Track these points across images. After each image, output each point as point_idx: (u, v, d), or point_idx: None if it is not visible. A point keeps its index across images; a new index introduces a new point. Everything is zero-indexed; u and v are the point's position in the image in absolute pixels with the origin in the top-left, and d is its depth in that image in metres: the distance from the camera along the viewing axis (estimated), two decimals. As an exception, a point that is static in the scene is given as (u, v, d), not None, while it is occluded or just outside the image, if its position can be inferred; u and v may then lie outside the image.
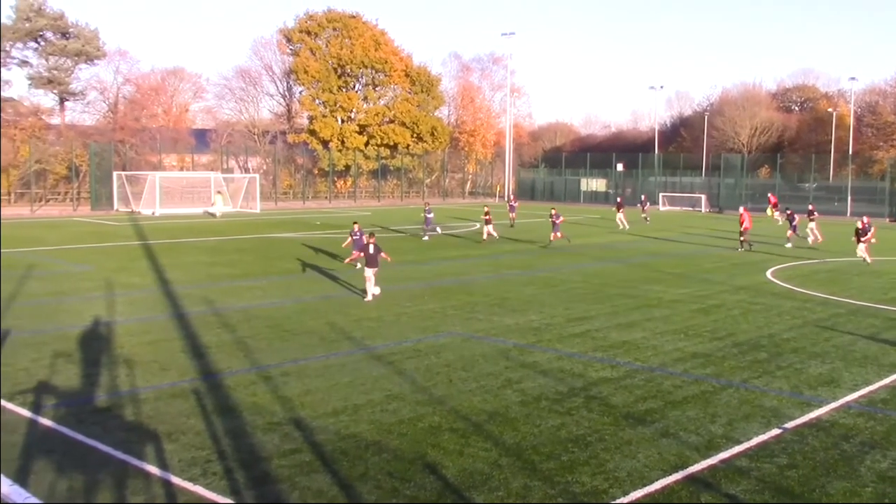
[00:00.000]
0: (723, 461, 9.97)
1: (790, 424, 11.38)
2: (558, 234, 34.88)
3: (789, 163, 78.34)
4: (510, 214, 46.76)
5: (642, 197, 54.47)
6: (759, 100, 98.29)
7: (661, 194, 69.86)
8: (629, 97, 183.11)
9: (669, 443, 10.59)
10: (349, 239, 26.31)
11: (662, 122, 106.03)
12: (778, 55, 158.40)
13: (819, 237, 37.16)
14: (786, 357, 15.40)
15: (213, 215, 53.47)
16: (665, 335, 17.24)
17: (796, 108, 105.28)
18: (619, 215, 45.78)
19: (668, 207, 67.21)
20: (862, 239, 30.13)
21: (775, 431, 11.08)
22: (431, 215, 38.08)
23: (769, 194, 61.04)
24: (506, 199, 48.22)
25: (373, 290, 21.33)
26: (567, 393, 12.80)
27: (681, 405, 12.23)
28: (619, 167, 76.84)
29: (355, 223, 26.84)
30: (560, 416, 11.60)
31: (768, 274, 27.07)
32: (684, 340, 16.76)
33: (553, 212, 36.01)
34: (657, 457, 10.08)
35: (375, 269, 21.40)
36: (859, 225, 30.49)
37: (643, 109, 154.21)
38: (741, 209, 36.26)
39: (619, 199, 48.03)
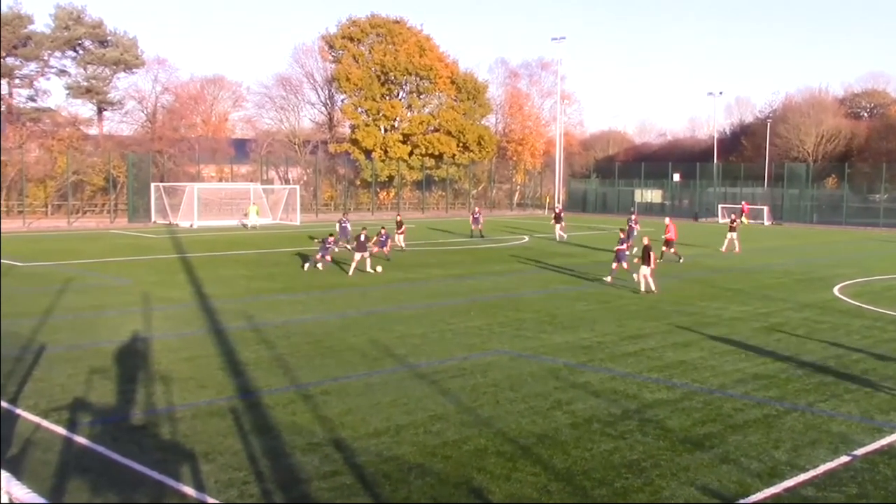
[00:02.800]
0: (787, 490, 9.80)
1: (860, 451, 11.15)
2: (385, 250, 33.85)
3: (858, 172, 76.87)
4: (473, 226, 47.30)
5: (558, 208, 53.52)
6: (825, 106, 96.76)
7: (720, 206, 69.08)
8: (686, 104, 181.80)
9: (730, 469, 10.43)
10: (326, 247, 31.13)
11: (721, 130, 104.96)
12: (845, 58, 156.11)
13: (728, 246, 39.00)
14: (855, 379, 15.10)
15: (248, 227, 54.16)
16: (724, 355, 17.02)
17: (865, 115, 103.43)
18: (558, 227, 46.26)
19: (727, 220, 66.38)
20: (645, 263, 25.65)
21: (844, 459, 10.87)
22: (347, 225, 38.78)
23: (743, 202, 65.12)
24: (471, 211, 49.48)
25: (368, 268, 29.33)
26: (620, 415, 12.69)
27: (742, 429, 12.05)
28: (676, 177, 76.15)
29: (331, 235, 32.51)
30: (613, 440, 11.50)
31: (835, 290, 26.60)
32: (745, 361, 16.53)
33: (382, 230, 34.60)
34: (717, 484, 9.94)
35: (364, 252, 29.32)
36: (644, 239, 26.99)
37: (701, 116, 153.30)
38: (667, 219, 36.73)
39: (557, 211, 48.34)
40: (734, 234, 39.23)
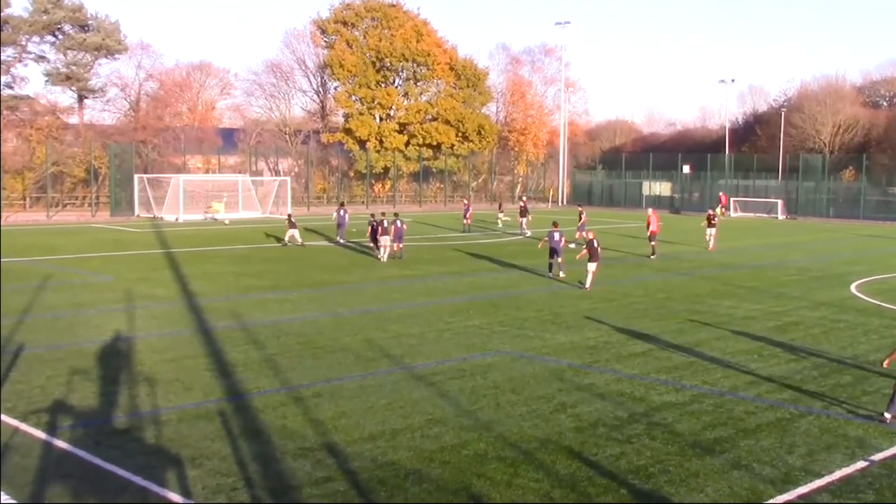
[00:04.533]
0: (801, 496, 9.84)
1: (878, 456, 11.19)
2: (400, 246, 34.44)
3: (877, 164, 76.82)
4: (464, 220, 48.23)
5: (523, 200, 53.00)
6: (842, 94, 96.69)
7: (732, 199, 69.10)
8: (697, 92, 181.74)
9: (741, 475, 10.46)
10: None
11: (734, 120, 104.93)
12: (863, 45, 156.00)
13: (713, 244, 38.88)
14: (873, 381, 15.13)
15: (227, 222, 53.92)
16: (736, 355, 17.04)
17: (885, 104, 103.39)
18: (523, 221, 46.77)
19: (739, 214, 66.41)
20: (591, 259, 26.09)
21: (861, 464, 10.90)
22: (345, 215, 39.89)
23: (721, 193, 66.78)
24: (464, 206, 50.33)
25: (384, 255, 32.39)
26: (627, 419, 12.71)
27: (754, 433, 12.09)
28: (686, 169, 76.16)
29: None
30: (619, 445, 11.53)
31: (853, 288, 26.64)
32: (758, 361, 16.56)
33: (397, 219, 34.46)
34: (728, 491, 9.97)
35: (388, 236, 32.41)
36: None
37: (712, 105, 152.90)
38: (649, 210, 36.74)
39: (522, 204, 48.86)
40: (713, 231, 38.89)
